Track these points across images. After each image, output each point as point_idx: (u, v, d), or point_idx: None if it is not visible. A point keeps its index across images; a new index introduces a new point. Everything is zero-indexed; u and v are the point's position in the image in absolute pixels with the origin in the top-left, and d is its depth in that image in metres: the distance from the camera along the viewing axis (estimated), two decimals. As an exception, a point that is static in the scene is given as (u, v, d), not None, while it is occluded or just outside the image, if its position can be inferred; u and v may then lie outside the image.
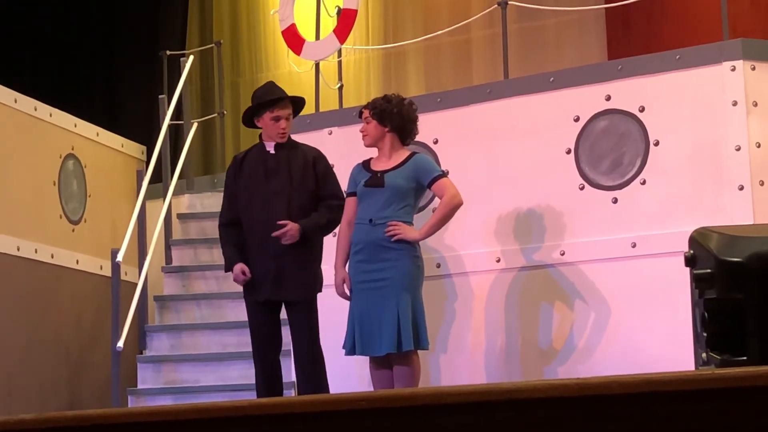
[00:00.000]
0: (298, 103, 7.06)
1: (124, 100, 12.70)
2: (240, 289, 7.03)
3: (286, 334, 6.99)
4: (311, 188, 6.92)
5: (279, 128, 6.93)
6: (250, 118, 7.02)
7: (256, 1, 12.91)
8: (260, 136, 7.07)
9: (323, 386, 6.82)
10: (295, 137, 7.17)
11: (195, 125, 10.43)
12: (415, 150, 7.11)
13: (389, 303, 6.65)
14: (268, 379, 6.87)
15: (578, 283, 7.41)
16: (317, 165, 6.96)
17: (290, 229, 6.76)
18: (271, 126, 6.93)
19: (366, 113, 6.97)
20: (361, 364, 7.39)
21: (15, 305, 8.35)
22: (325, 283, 7.01)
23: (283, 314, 6.94)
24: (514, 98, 7.77)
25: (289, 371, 7.10)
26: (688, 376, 2.73)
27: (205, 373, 8.43)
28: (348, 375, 7.61)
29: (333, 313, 7.18)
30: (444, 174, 6.96)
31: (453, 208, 6.83)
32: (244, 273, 6.83)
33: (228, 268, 6.99)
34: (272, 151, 6.97)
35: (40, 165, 8.86)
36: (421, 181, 6.84)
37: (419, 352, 6.78)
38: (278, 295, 6.83)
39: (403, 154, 6.92)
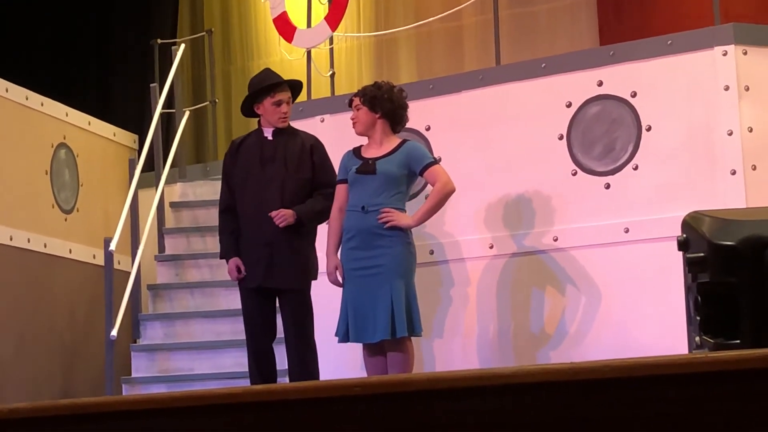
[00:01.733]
0: (295, 87, 7.08)
1: (115, 89, 12.67)
2: (234, 276, 7.03)
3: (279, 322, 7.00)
4: (307, 176, 6.92)
5: (281, 112, 6.94)
6: (249, 106, 7.01)
7: (247, -12, 12.89)
8: (259, 122, 7.06)
9: (314, 376, 6.82)
10: (288, 124, 7.16)
11: (187, 114, 10.41)
12: (407, 137, 7.09)
13: (383, 289, 6.64)
14: (262, 366, 6.87)
15: (571, 268, 7.42)
16: (314, 153, 6.97)
17: (285, 212, 6.76)
18: (272, 111, 6.93)
19: (356, 101, 6.95)
20: (354, 351, 7.39)
21: (8, 295, 8.35)
22: (319, 270, 7.01)
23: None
24: (506, 84, 7.77)
25: (282, 359, 7.10)
26: (682, 359, 2.74)
27: (199, 362, 8.43)
28: (341, 362, 7.61)
29: (326, 300, 7.18)
30: (436, 161, 6.96)
31: (446, 195, 6.83)
32: (238, 270, 6.84)
33: (222, 256, 7.00)
34: (270, 138, 6.97)
35: (32, 154, 8.84)
36: (413, 169, 6.83)
37: (413, 338, 6.78)
38: (270, 282, 6.83)
39: (395, 141, 6.91)
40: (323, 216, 6.97)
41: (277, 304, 6.96)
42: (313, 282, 6.97)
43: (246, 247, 6.88)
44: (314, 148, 6.99)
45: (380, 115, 6.89)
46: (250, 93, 6.97)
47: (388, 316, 6.60)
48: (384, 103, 6.87)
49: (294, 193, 6.86)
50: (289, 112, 7.01)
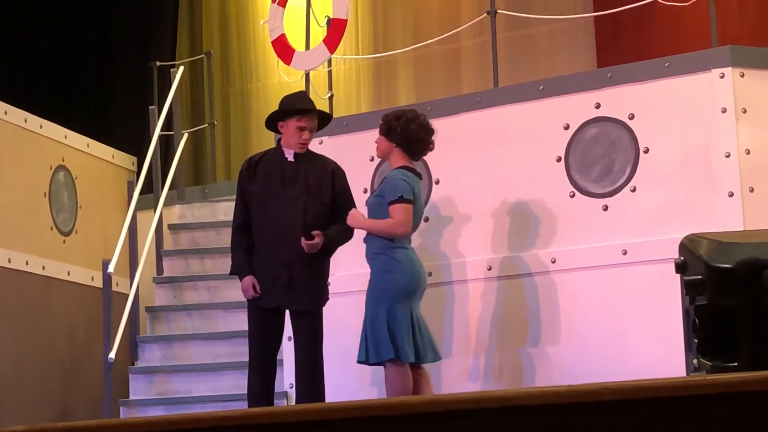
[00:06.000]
0: (324, 119, 7.08)
1: (114, 111, 12.69)
2: (232, 298, 7.02)
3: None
4: (327, 200, 6.91)
5: (302, 138, 6.93)
6: (274, 121, 7.00)
7: (246, 11, 12.91)
8: (278, 141, 7.05)
9: (320, 396, 6.82)
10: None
11: (185, 136, 10.43)
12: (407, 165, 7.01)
13: (366, 313, 6.77)
14: (266, 386, 6.85)
15: (569, 290, 7.42)
16: (336, 179, 6.97)
17: (317, 243, 6.76)
18: (293, 134, 6.93)
19: (381, 126, 7.00)
20: (355, 372, 7.41)
21: (6, 317, 8.34)
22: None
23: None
24: (504, 107, 7.78)
25: (281, 381, 7.09)
26: (680, 382, 2.74)
27: (198, 384, 8.42)
28: (345, 381, 7.62)
29: (333, 321, 7.20)
30: (404, 199, 6.76)
31: (387, 233, 6.77)
32: (254, 288, 6.81)
33: (235, 272, 6.96)
34: (291, 159, 6.96)
35: (31, 176, 8.85)
36: (386, 198, 6.80)
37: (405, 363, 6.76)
38: (288, 303, 6.82)
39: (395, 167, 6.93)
40: (346, 240, 7.01)
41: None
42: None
43: (263, 266, 6.84)
44: (335, 173, 6.99)
45: (396, 145, 6.91)
46: (280, 110, 6.96)
47: (365, 339, 6.72)
48: (396, 136, 6.88)
49: (315, 217, 6.85)
50: (309, 141, 7.00)
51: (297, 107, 6.92)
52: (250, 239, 6.91)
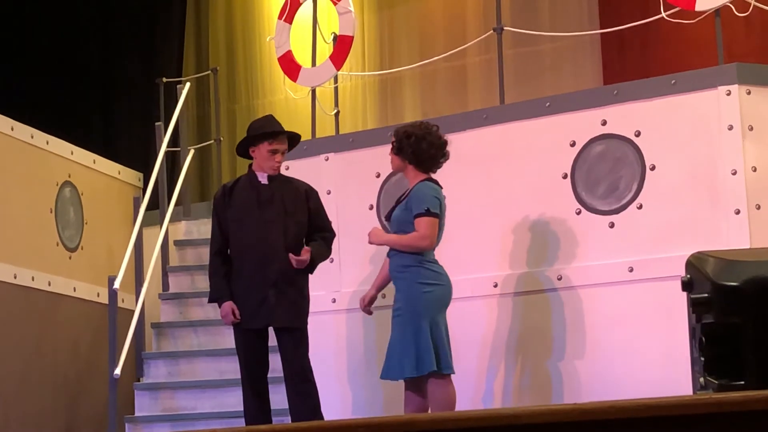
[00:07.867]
0: (293, 139, 7.12)
1: (120, 127, 12.71)
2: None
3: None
4: (303, 219, 7.03)
5: (274, 161, 7.02)
6: (245, 147, 7.06)
7: (252, 27, 12.94)
8: (250, 166, 7.11)
9: (318, 410, 6.84)
10: (292, 163, 7.22)
11: (191, 152, 10.44)
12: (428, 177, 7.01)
13: (396, 331, 6.74)
14: (263, 404, 6.91)
15: (576, 307, 7.41)
16: (310, 199, 7.10)
17: (304, 259, 6.86)
18: (266, 157, 7.00)
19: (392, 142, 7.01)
20: (347, 388, 7.39)
21: (12, 333, 8.34)
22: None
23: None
24: (510, 123, 7.78)
25: (282, 398, 7.08)
26: (686, 400, 2.73)
27: (203, 400, 8.41)
28: (334, 399, 7.60)
29: (315, 338, 7.21)
30: (431, 212, 6.78)
31: (413, 246, 6.76)
32: (234, 314, 6.86)
33: (214, 298, 7.02)
34: (265, 182, 7.02)
35: (37, 192, 8.86)
36: (413, 211, 6.81)
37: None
38: (278, 321, 6.86)
39: (417, 181, 6.90)
40: (325, 257, 7.15)
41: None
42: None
43: (246, 288, 6.91)
44: (309, 193, 7.12)
45: (408, 162, 6.91)
46: (250, 136, 7.03)
47: (398, 355, 6.68)
48: (408, 154, 6.88)
49: (294, 235, 6.97)
50: (281, 163, 7.07)
51: (266, 131, 6.98)
52: (228, 264, 7.02)
